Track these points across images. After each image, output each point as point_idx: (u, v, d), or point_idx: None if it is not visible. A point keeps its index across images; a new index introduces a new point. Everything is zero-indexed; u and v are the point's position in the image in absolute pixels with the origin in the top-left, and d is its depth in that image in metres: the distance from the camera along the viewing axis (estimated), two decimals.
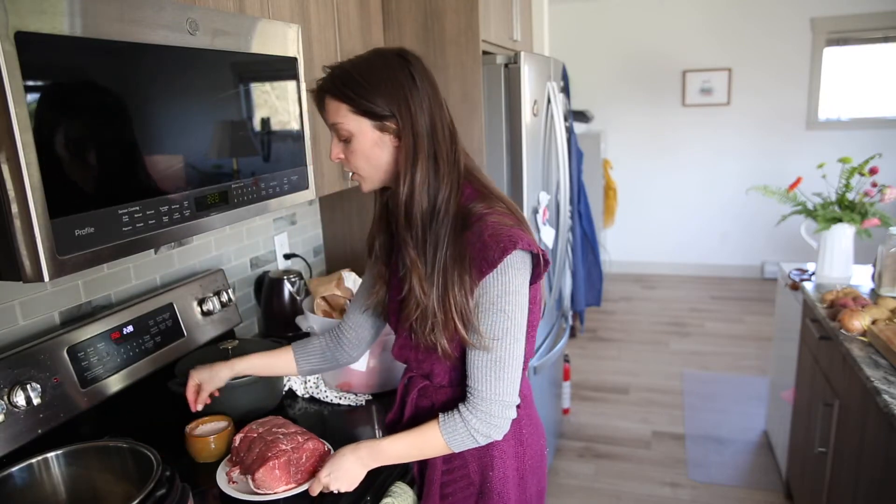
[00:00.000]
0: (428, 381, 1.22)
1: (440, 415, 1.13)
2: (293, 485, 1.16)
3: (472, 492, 1.21)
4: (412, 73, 1.08)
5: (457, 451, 1.13)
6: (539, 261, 1.11)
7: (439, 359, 1.16)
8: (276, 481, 1.14)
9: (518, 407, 1.14)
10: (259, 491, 1.14)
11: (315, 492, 1.13)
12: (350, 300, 1.70)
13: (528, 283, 1.11)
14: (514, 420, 1.14)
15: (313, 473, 1.19)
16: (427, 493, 1.23)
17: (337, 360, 1.37)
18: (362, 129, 1.09)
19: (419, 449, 1.14)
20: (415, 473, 1.30)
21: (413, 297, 1.10)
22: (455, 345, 1.11)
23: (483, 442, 1.12)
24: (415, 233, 1.10)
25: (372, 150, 1.10)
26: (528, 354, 1.18)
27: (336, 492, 1.13)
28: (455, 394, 1.19)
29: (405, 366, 1.29)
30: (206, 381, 1.30)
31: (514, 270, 1.07)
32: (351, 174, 1.17)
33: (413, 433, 1.13)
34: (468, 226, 1.09)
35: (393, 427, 1.28)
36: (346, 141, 1.11)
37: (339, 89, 1.08)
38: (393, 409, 1.30)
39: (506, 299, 1.07)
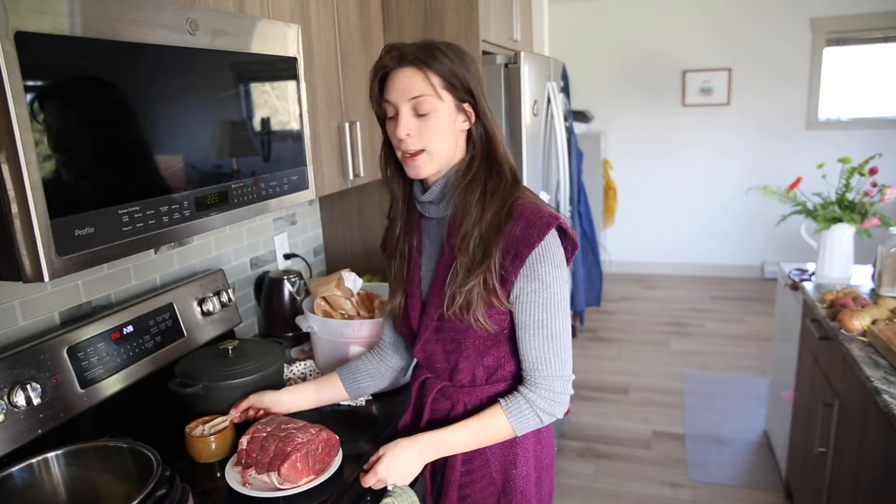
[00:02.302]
0: (448, 381, 1.21)
1: (501, 400, 1.12)
2: (313, 476, 1.17)
3: (493, 491, 1.20)
4: (475, 63, 1.13)
5: (521, 433, 1.13)
6: (568, 244, 1.13)
7: (468, 354, 1.15)
8: (299, 474, 1.16)
9: None
10: (283, 486, 1.15)
11: (368, 484, 1.11)
12: (350, 300, 1.70)
13: (565, 260, 1.13)
14: None
15: (329, 463, 1.21)
16: (445, 493, 1.21)
17: (384, 376, 1.38)
18: (447, 105, 1.09)
19: (482, 436, 1.13)
20: (426, 475, 1.27)
21: (463, 265, 1.09)
22: (494, 312, 1.10)
23: (547, 421, 1.12)
24: (482, 191, 1.12)
25: (450, 128, 1.11)
26: None
27: (391, 487, 1.12)
28: (477, 394, 1.18)
29: (417, 368, 1.28)
30: (255, 401, 1.33)
31: (555, 246, 1.09)
32: (402, 155, 1.13)
33: (474, 421, 1.12)
34: (509, 211, 1.11)
35: (409, 431, 1.25)
36: (422, 116, 1.08)
37: (437, 61, 1.06)
38: (406, 411, 1.28)
39: (553, 273, 1.08)
